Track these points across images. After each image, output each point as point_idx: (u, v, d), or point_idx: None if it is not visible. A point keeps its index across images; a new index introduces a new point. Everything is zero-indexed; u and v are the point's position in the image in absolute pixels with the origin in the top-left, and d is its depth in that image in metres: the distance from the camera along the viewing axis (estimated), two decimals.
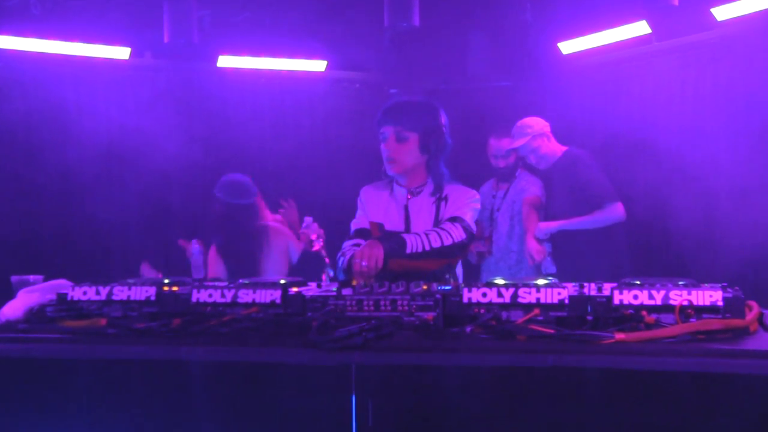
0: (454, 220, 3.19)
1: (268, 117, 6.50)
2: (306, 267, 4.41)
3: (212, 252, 4.71)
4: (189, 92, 6.30)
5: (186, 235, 4.90)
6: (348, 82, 6.75)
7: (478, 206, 3.34)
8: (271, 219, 4.86)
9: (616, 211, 4.81)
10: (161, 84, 6.23)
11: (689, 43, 5.49)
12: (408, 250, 3.05)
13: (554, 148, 5.06)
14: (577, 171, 4.88)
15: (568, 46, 5.95)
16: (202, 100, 6.31)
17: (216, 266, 4.67)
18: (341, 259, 3.23)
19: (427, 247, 3.08)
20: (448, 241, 3.11)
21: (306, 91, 6.58)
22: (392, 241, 3.07)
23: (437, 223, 3.25)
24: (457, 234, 3.14)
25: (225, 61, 6.21)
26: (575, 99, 5.97)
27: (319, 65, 6.41)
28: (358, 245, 3.24)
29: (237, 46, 6.18)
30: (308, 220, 4.36)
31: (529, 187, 5.19)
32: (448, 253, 3.13)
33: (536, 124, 5.07)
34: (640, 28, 5.58)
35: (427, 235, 3.11)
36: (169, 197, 6.04)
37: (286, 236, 4.72)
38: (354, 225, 3.41)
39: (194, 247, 4.80)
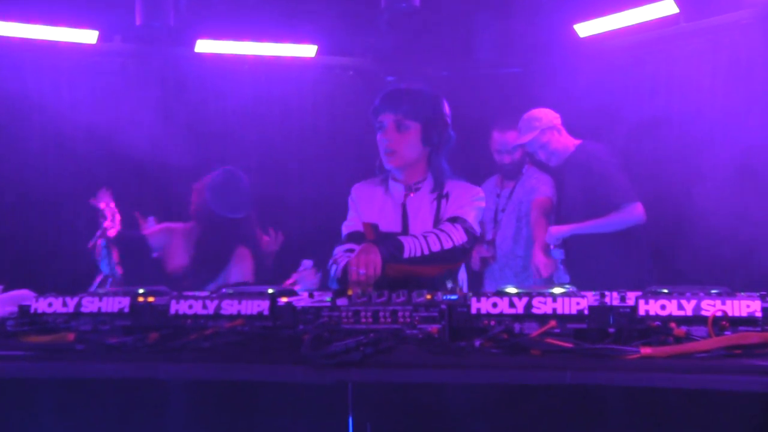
0: (454, 220, 3.21)
1: (252, 108, 6.50)
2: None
3: (167, 225, 4.63)
4: (164, 81, 6.31)
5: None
6: (340, 69, 6.75)
7: (483, 205, 3.36)
8: (264, 241, 4.80)
9: (635, 212, 4.80)
10: (132, 72, 6.23)
11: (721, 24, 5.49)
12: (406, 254, 3.07)
13: (566, 143, 5.06)
14: (592, 168, 4.88)
15: (585, 28, 5.97)
16: (179, 90, 6.32)
17: (181, 257, 4.60)
18: (333, 267, 3.24)
19: (426, 251, 3.09)
20: (448, 245, 3.12)
21: (294, 79, 6.59)
22: (389, 245, 3.08)
23: (437, 223, 3.27)
24: (458, 236, 3.15)
25: (204, 46, 6.22)
26: (593, 87, 5.97)
27: (308, 50, 6.42)
28: (351, 251, 3.25)
29: (217, 29, 6.19)
30: (307, 263, 4.35)
31: (539, 187, 5.21)
32: (449, 258, 3.14)
33: (545, 116, 5.06)
34: (667, 7, 5.59)
35: (425, 237, 3.12)
36: (143, 196, 6.03)
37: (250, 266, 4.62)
38: (346, 228, 3.41)
39: (150, 224, 4.73)
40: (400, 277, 3.03)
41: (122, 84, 6.16)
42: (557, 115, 5.10)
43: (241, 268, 4.57)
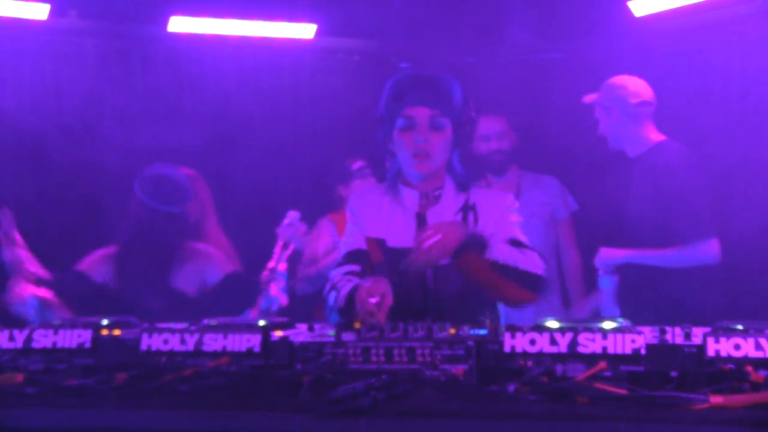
0: (521, 245, 3.24)
1: (236, 98, 6.52)
2: (229, 295, 4.47)
3: (101, 253, 4.70)
4: (127, 64, 6.32)
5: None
6: (344, 53, 6.78)
7: (520, 218, 3.39)
8: (219, 240, 4.91)
9: (710, 252, 4.71)
10: (90, 53, 6.25)
11: None
12: (488, 255, 3.09)
13: (646, 134, 4.98)
14: (673, 175, 4.77)
15: (641, 6, 5.98)
16: (146, 75, 6.34)
17: (97, 269, 4.66)
18: (333, 294, 3.26)
19: (513, 263, 3.11)
20: (534, 270, 3.16)
21: (288, 65, 6.61)
22: (472, 235, 3.11)
23: None
24: (540, 265, 3.19)
25: (178, 24, 6.25)
26: (650, 76, 5.99)
27: (306, 30, 6.44)
28: (353, 274, 3.27)
29: (194, 4, 6.21)
30: (294, 215, 4.43)
31: (559, 198, 5.41)
32: (535, 286, 3.17)
33: (636, 89, 4.95)
34: None
35: (510, 250, 3.16)
36: (100, 196, 6.05)
37: (209, 259, 4.71)
38: (344, 246, 3.44)
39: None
40: (478, 278, 3.08)
41: (77, 69, 6.18)
42: (651, 96, 4.97)
43: (199, 265, 4.65)
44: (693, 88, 5.86)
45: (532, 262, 3.16)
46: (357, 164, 5.52)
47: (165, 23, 6.21)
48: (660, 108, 5.70)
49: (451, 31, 6.56)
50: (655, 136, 4.99)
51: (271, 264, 4.64)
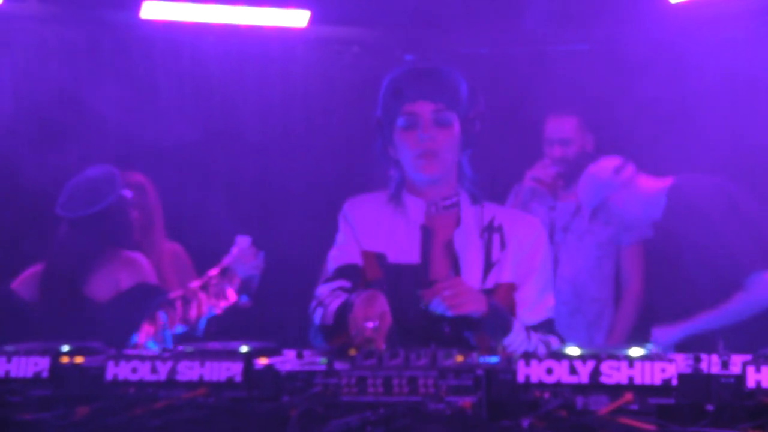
0: (551, 329, 3.32)
1: (219, 94, 6.55)
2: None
3: (32, 269, 4.78)
4: (95, 55, 6.35)
5: None
6: (342, 44, 6.80)
7: (549, 250, 3.44)
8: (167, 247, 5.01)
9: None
10: (52, 41, 6.28)
11: None
12: (505, 341, 3.14)
13: (647, 190, 5.01)
14: (696, 220, 4.80)
15: None
16: (116, 67, 6.37)
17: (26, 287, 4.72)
18: (319, 311, 3.25)
19: (522, 350, 3.13)
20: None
21: (278, 57, 6.64)
22: (495, 316, 3.13)
23: (489, 267, 3.31)
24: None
25: (152, 10, 6.27)
26: (687, 70, 6.02)
27: (298, 18, 6.46)
28: (343, 290, 3.28)
29: None
30: (243, 241, 4.48)
31: (636, 217, 5.34)
32: None
33: (605, 169, 5.03)
34: None
35: (533, 340, 3.21)
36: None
37: (129, 266, 4.75)
38: (334, 259, 3.44)
39: None
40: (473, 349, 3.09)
41: (37, 60, 6.20)
42: (624, 162, 5.04)
43: (116, 272, 4.69)
44: (733, 80, 5.89)
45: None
46: None
47: (137, 9, 6.23)
48: (696, 103, 5.75)
49: (462, 18, 6.57)
50: (658, 185, 5.02)
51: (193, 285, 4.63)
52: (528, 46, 6.64)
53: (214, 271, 4.57)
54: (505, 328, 3.14)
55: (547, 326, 3.34)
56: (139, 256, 4.79)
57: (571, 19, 6.43)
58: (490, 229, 3.36)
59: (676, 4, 6.02)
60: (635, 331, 5.49)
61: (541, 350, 3.16)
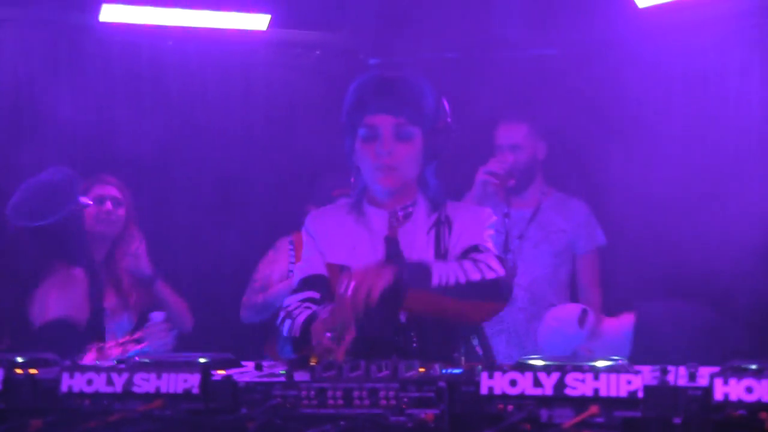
0: (479, 249, 3.26)
1: (178, 99, 6.53)
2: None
3: None
4: (51, 58, 6.32)
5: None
6: (303, 48, 6.80)
7: (494, 233, 3.43)
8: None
9: None
10: (8, 45, 6.25)
11: None
12: (435, 281, 3.10)
13: (614, 329, 4.98)
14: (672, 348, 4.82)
15: None
16: (74, 72, 6.33)
17: None
18: (287, 323, 3.26)
19: (463, 280, 3.12)
20: (489, 275, 3.16)
21: (237, 62, 6.63)
22: (410, 267, 3.12)
23: (439, 257, 3.31)
24: (498, 267, 3.21)
25: (111, 13, 6.25)
26: (655, 75, 6.05)
27: (258, 21, 6.45)
28: (312, 300, 3.28)
29: None
30: (157, 316, 4.58)
31: (589, 228, 5.47)
32: (494, 293, 3.19)
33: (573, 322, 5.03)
34: None
35: (460, 264, 3.17)
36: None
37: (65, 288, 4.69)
38: (300, 271, 3.45)
39: None
40: (428, 313, 3.07)
41: None
42: (583, 311, 5.01)
43: (43, 300, 4.60)
44: (703, 86, 5.93)
45: (486, 268, 3.18)
46: (337, 191, 5.46)
47: (96, 12, 6.20)
48: (664, 108, 5.79)
49: (429, 22, 6.57)
50: (622, 321, 4.95)
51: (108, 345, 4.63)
52: (495, 50, 6.64)
53: (125, 339, 4.57)
54: (425, 274, 3.10)
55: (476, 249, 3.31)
56: (78, 275, 4.70)
57: (539, 24, 6.45)
58: (438, 224, 3.37)
59: (645, 9, 6.04)
60: None
61: (470, 268, 3.16)
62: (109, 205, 5.22)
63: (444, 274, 3.11)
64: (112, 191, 5.26)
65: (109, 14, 6.23)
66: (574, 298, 5.58)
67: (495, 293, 3.19)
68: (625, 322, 4.93)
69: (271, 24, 6.42)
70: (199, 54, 6.54)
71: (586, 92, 5.78)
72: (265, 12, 6.37)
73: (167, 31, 6.40)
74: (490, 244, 3.32)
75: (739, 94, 5.81)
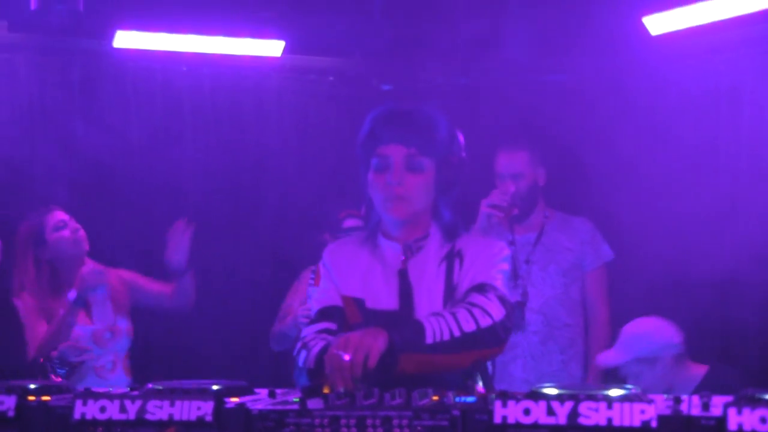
0: (482, 289, 3.23)
1: (191, 124, 6.55)
2: None
3: None
4: (67, 86, 6.35)
5: None
6: (317, 74, 6.82)
7: (508, 267, 3.41)
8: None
9: None
10: (22, 73, 6.28)
11: None
12: (429, 339, 3.08)
13: (690, 374, 4.96)
14: None
15: (658, 23, 6.03)
16: (88, 97, 6.36)
17: None
18: (303, 354, 3.25)
19: (457, 333, 3.10)
20: (485, 322, 3.14)
21: (251, 88, 6.65)
22: (403, 329, 3.10)
23: (450, 291, 3.31)
24: (496, 310, 3.17)
25: (126, 40, 6.27)
26: (670, 104, 6.06)
27: (272, 48, 6.48)
28: (328, 332, 3.27)
29: (144, 17, 6.23)
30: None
31: (595, 246, 5.47)
32: (488, 340, 3.16)
33: (660, 335, 4.95)
34: None
35: (454, 315, 3.14)
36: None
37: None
38: (317, 303, 3.43)
39: None
40: (422, 372, 3.04)
41: (7, 88, 6.20)
42: (678, 336, 4.97)
43: None
44: (715, 113, 5.93)
45: (482, 315, 3.15)
46: (349, 222, 5.47)
47: (110, 38, 6.23)
48: (676, 133, 5.79)
49: (438, 47, 6.59)
50: (697, 370, 4.99)
51: None
52: (506, 76, 6.66)
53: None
54: (418, 331, 3.08)
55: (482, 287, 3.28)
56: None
57: (550, 50, 6.46)
58: (450, 257, 3.36)
59: (657, 36, 6.05)
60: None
61: (463, 316, 3.13)
62: (73, 223, 5.28)
63: (438, 329, 3.09)
64: (62, 215, 5.31)
65: (123, 40, 6.26)
66: (584, 315, 5.57)
67: (490, 341, 3.17)
68: (698, 371, 4.97)
69: (285, 50, 6.44)
70: (213, 80, 6.56)
71: (596, 118, 5.77)
72: (280, 38, 6.39)
73: (181, 57, 6.43)
74: (499, 281, 3.29)
75: (751, 121, 5.81)
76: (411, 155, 3.31)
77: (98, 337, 5.09)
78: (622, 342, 4.94)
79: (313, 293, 5.01)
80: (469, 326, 3.12)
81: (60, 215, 5.24)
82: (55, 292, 5.11)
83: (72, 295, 4.84)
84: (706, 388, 4.78)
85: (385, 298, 3.33)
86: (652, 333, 4.93)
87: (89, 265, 5.01)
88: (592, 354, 5.41)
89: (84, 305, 4.95)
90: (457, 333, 3.11)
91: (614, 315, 5.52)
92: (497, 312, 3.18)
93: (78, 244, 5.21)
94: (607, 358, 4.97)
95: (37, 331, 4.99)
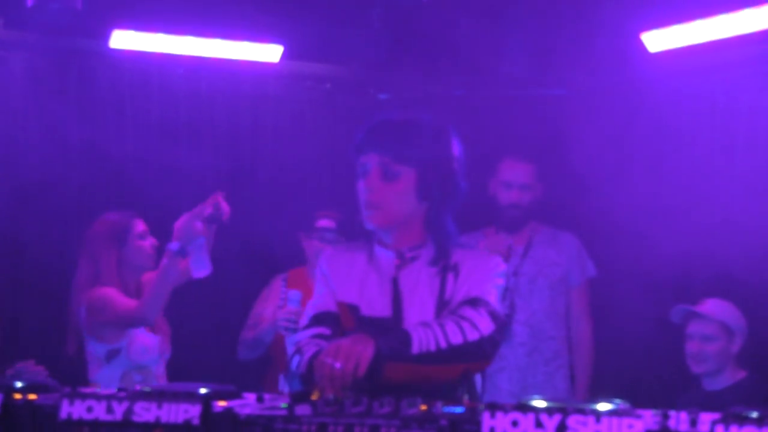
0: (474, 303, 3.24)
1: (187, 127, 6.55)
2: None
3: None
4: (63, 85, 6.33)
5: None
6: (314, 81, 6.82)
7: (503, 282, 3.42)
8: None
9: None
10: (17, 72, 6.27)
11: None
12: (415, 350, 3.09)
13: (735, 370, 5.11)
14: None
15: (657, 40, 6.05)
16: (84, 99, 6.35)
17: None
18: (296, 359, 3.26)
19: (443, 345, 3.12)
20: (472, 336, 3.16)
21: (248, 93, 6.65)
22: (390, 337, 3.11)
23: (442, 305, 3.31)
24: (485, 325, 3.19)
25: (122, 40, 6.27)
26: (667, 119, 6.07)
27: (270, 52, 6.47)
28: (322, 337, 3.28)
29: (141, 17, 6.22)
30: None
31: (580, 261, 5.61)
32: (474, 354, 3.18)
33: (728, 312, 5.10)
34: None
35: (442, 326, 3.15)
36: (23, 242, 6.06)
37: None
38: (312, 308, 3.45)
39: None
40: (407, 381, 3.05)
41: (0, 87, 6.19)
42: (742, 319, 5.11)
43: None
44: (715, 133, 5.94)
45: (470, 328, 3.17)
46: (323, 222, 5.50)
47: (107, 38, 6.23)
48: (673, 149, 5.82)
49: (437, 58, 6.60)
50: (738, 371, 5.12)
51: None
52: (503, 89, 6.68)
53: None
54: (405, 340, 3.10)
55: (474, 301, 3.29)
56: None
57: (548, 64, 6.48)
58: (444, 269, 3.36)
59: (655, 53, 6.07)
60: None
61: (451, 329, 3.15)
62: (151, 237, 5.34)
63: (425, 340, 3.11)
64: (143, 225, 5.32)
65: (119, 41, 6.26)
66: (568, 330, 5.67)
67: (476, 354, 3.19)
68: (739, 374, 5.03)
69: (283, 56, 6.44)
70: (210, 83, 6.56)
71: (593, 133, 5.79)
72: (278, 43, 6.39)
73: (178, 60, 6.43)
74: (493, 296, 3.29)
75: (748, 139, 5.83)
76: (385, 163, 3.32)
77: None
78: (713, 306, 5.08)
79: (293, 296, 5.08)
80: (456, 339, 3.14)
81: (142, 225, 5.25)
82: (129, 294, 5.12)
83: (174, 246, 4.80)
84: (740, 391, 4.89)
85: (379, 306, 3.34)
86: (739, 313, 5.10)
87: (185, 217, 4.94)
88: (577, 370, 5.46)
89: (184, 255, 4.90)
90: (443, 345, 3.12)
91: (600, 331, 5.60)
92: (486, 326, 3.19)
93: (153, 259, 5.23)
94: (707, 306, 5.08)
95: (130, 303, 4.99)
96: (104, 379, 4.94)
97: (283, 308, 5.21)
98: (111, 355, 4.97)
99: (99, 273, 5.09)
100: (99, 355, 4.99)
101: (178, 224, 4.84)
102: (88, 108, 6.35)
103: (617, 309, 5.78)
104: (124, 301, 4.97)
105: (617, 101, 6.21)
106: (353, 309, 3.35)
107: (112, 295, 4.99)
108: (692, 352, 5.04)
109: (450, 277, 3.35)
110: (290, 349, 3.40)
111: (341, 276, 3.43)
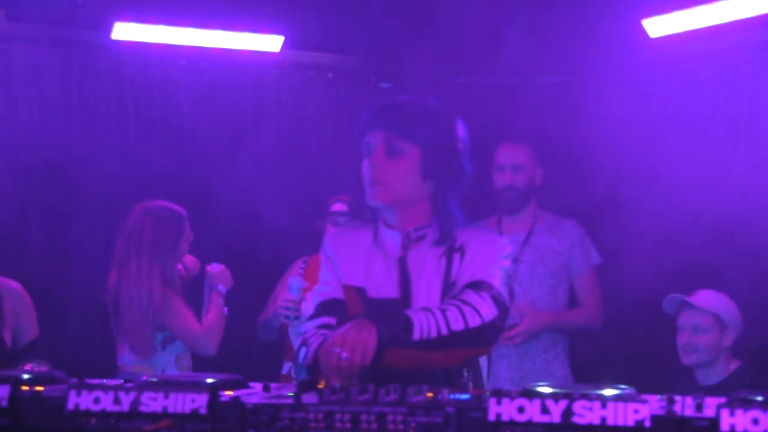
0: (478, 287, 3.23)
1: (189, 118, 6.54)
2: None
3: None
4: (63, 77, 6.33)
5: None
6: (316, 70, 6.81)
7: (509, 264, 3.41)
8: None
9: None
10: (18, 63, 6.27)
11: None
12: (416, 336, 3.08)
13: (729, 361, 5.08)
14: None
15: (657, 25, 6.04)
16: (85, 90, 6.36)
17: None
18: (303, 351, 3.25)
19: (445, 331, 3.11)
20: (474, 322, 3.14)
21: (249, 83, 6.64)
22: (392, 323, 3.10)
23: (448, 287, 3.31)
24: (487, 309, 3.18)
25: (124, 32, 6.27)
26: (668, 106, 6.07)
27: (271, 42, 6.47)
28: (328, 327, 3.27)
29: (142, 9, 6.22)
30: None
31: (584, 248, 5.53)
32: (476, 340, 3.17)
33: (725, 304, 5.06)
34: None
35: (443, 312, 3.14)
36: (19, 239, 6.06)
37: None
38: (318, 295, 3.43)
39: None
40: (407, 367, 3.05)
41: (2, 79, 6.19)
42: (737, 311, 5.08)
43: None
44: (715, 119, 5.94)
45: (471, 314, 3.16)
46: (336, 206, 5.48)
47: (109, 30, 6.22)
48: (675, 139, 5.81)
49: (439, 46, 6.59)
50: (734, 362, 5.09)
51: None
52: (504, 76, 6.67)
53: None
54: (407, 326, 3.10)
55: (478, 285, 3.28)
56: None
57: (549, 51, 6.47)
58: (450, 251, 3.35)
59: (656, 39, 6.06)
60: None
61: (453, 314, 3.14)
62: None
63: (426, 326, 3.10)
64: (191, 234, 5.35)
65: (121, 32, 6.25)
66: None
67: (477, 341, 3.18)
68: (733, 364, 5.04)
69: (284, 45, 6.44)
70: (211, 74, 6.56)
71: (594, 119, 5.78)
72: (279, 33, 6.39)
73: (180, 51, 6.42)
74: (498, 279, 3.27)
75: (749, 125, 5.83)
76: (389, 139, 3.31)
77: None
78: (706, 297, 5.02)
79: (293, 284, 5.09)
80: (458, 325, 3.13)
81: (191, 234, 5.23)
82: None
83: (223, 289, 5.14)
84: (734, 381, 4.88)
85: (387, 287, 3.33)
86: (734, 306, 5.04)
87: (217, 266, 5.22)
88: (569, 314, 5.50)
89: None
90: (444, 331, 3.11)
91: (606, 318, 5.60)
92: (488, 312, 3.18)
93: (190, 270, 5.34)
94: (700, 296, 5.03)
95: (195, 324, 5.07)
96: (160, 363, 5.00)
97: (284, 296, 5.22)
98: (167, 341, 5.01)
99: (164, 267, 5.05)
100: (155, 342, 5.02)
101: (221, 270, 5.16)
102: (89, 99, 6.35)
103: (620, 296, 5.79)
104: (195, 327, 5.02)
105: (619, 87, 6.19)
106: (360, 291, 3.34)
107: (186, 316, 5.03)
108: (682, 343, 4.99)
109: (456, 258, 3.33)
110: (294, 338, 3.39)
111: (346, 258, 3.41)
